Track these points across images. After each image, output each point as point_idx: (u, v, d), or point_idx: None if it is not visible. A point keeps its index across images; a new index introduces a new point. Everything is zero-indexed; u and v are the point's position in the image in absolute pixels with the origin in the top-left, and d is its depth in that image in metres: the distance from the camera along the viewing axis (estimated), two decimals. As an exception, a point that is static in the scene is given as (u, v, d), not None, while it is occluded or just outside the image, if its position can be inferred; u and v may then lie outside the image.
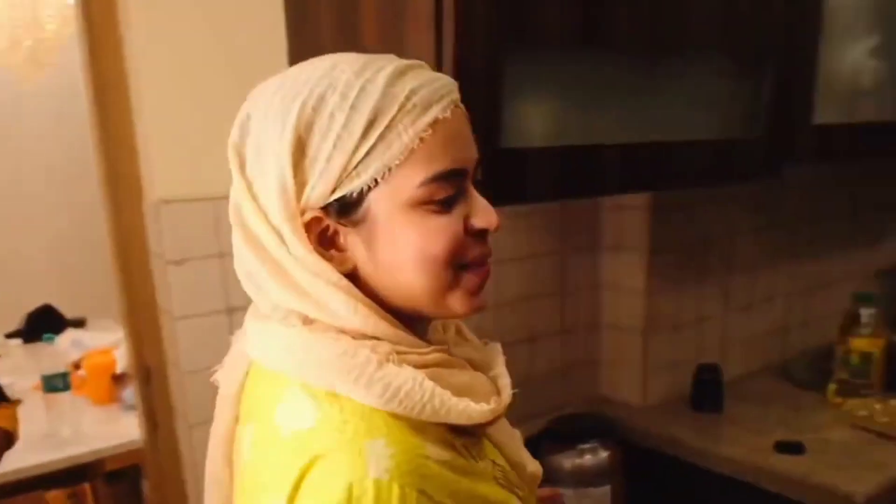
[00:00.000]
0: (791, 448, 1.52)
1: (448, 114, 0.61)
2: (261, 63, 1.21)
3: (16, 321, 3.04)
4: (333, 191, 0.60)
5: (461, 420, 0.62)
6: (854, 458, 1.49)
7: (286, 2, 1.18)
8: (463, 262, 0.64)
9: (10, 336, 3.00)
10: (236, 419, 0.72)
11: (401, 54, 1.01)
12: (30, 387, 2.27)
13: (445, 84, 0.62)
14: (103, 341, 2.50)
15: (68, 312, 3.08)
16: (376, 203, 0.61)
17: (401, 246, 0.61)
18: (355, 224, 0.62)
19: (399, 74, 0.60)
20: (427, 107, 0.60)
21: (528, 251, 1.54)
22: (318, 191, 0.60)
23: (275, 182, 0.60)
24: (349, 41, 1.05)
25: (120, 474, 2.10)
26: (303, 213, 0.61)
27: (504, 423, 0.74)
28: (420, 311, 0.66)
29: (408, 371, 0.60)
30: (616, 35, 1.05)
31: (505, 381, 0.70)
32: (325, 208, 0.61)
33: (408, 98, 0.59)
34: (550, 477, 1.10)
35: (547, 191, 1.03)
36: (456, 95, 0.63)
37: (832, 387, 1.77)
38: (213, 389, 1.25)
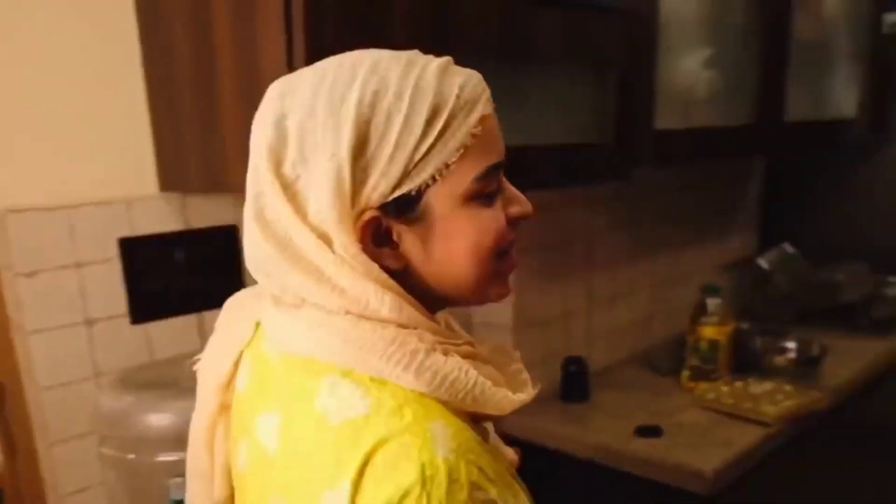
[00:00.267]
0: (650, 432, 1.62)
1: (490, 109, 0.63)
2: (110, 64, 1.18)
3: None
4: (394, 189, 0.60)
5: (496, 410, 0.64)
6: (705, 438, 1.61)
7: (137, 1, 1.16)
8: (504, 251, 0.66)
9: None
10: (221, 409, 0.72)
11: (253, 54, 1.03)
12: None
13: (481, 80, 0.64)
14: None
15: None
16: (434, 200, 0.61)
17: (456, 240, 0.63)
18: (412, 221, 0.62)
19: (444, 71, 0.61)
20: (475, 103, 0.61)
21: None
22: (380, 190, 0.60)
23: (329, 181, 0.59)
24: (201, 40, 1.05)
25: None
26: (361, 212, 0.60)
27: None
28: (461, 299, 0.68)
29: (454, 360, 0.61)
30: (467, 40, 1.10)
31: (527, 376, 0.72)
32: (383, 207, 0.61)
33: (458, 95, 0.60)
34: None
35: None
36: (489, 90, 0.64)
37: (685, 373, 1.89)
38: (75, 403, 1.22)
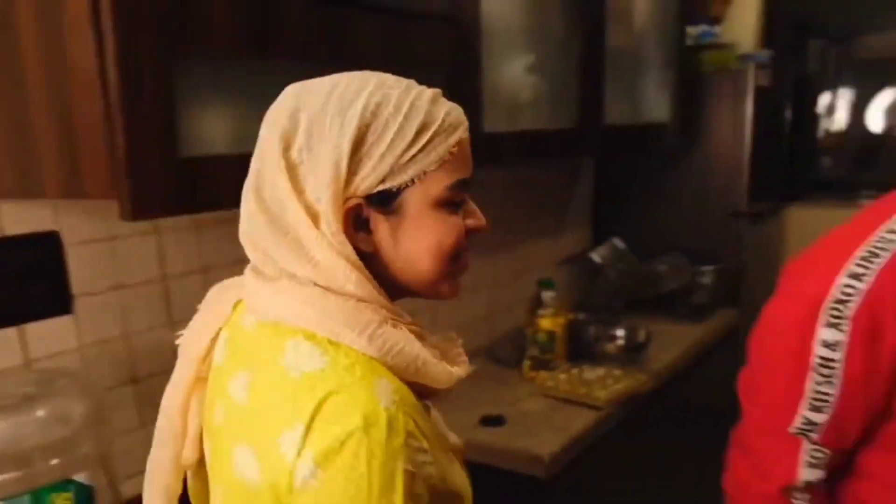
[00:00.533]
0: (494, 421, 1.69)
1: (466, 135, 0.75)
2: None
3: None
4: (379, 184, 0.71)
5: (435, 381, 0.74)
6: (544, 424, 1.70)
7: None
8: (459, 254, 0.77)
9: None
10: (197, 380, 0.81)
11: (65, 62, 0.97)
12: None
13: (461, 112, 0.76)
14: None
15: None
16: (409, 198, 0.72)
17: (422, 236, 0.74)
18: (388, 213, 0.73)
19: (436, 99, 0.73)
20: (456, 128, 0.74)
21: (236, 257, 1.52)
22: (368, 182, 0.70)
23: (329, 167, 0.69)
24: (5, 43, 0.99)
25: None
26: (348, 198, 0.71)
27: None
28: (416, 290, 0.78)
29: (403, 333, 0.72)
30: (287, 46, 1.10)
31: (465, 358, 0.81)
32: (366, 197, 0.71)
33: (444, 119, 0.72)
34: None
35: (231, 198, 1.05)
36: (467, 122, 0.76)
37: (526, 363, 1.99)
38: None
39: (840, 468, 1.01)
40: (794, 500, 1.00)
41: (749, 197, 2.52)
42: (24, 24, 0.97)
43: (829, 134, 3.87)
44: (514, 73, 1.69)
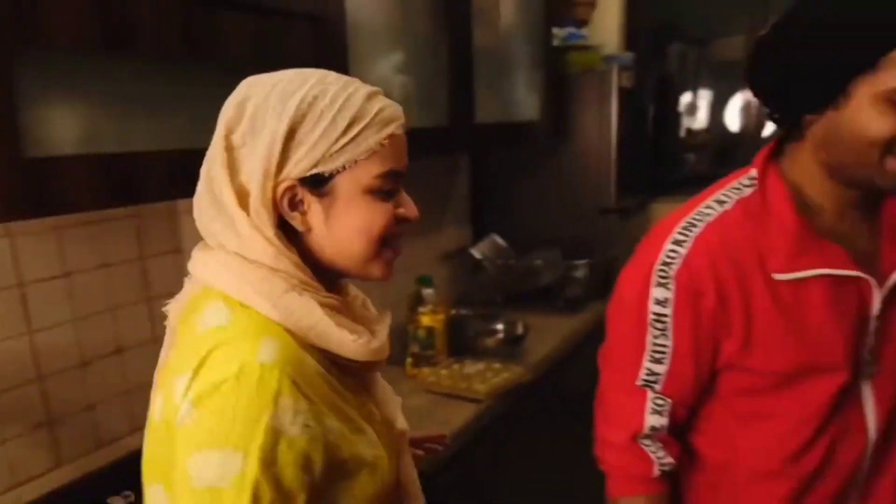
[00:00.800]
0: (375, 420, 1.69)
1: (400, 131, 0.82)
2: None
3: None
4: (312, 168, 0.77)
5: (341, 350, 0.80)
6: (427, 419, 1.71)
7: None
8: (388, 239, 0.84)
9: None
10: (170, 348, 0.85)
11: None
12: None
13: (399, 109, 0.83)
14: None
15: None
16: (340, 183, 0.79)
17: (351, 218, 0.81)
18: (321, 195, 0.80)
19: (371, 97, 0.80)
20: (388, 123, 0.80)
21: (102, 261, 1.47)
22: (301, 166, 0.77)
23: (264, 150, 0.76)
24: None
25: None
26: (281, 180, 0.78)
27: (384, 385, 0.95)
28: (347, 269, 0.84)
29: (306, 300, 0.78)
30: (145, 42, 1.06)
31: (381, 336, 0.87)
32: (301, 180, 0.78)
33: (376, 115, 0.79)
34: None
35: (83, 200, 1.01)
36: (403, 119, 0.83)
37: (409, 360, 2.00)
38: None
39: (684, 421, 1.11)
40: (642, 445, 1.09)
41: (617, 193, 2.64)
42: None
43: (690, 132, 4.11)
44: (382, 71, 1.70)
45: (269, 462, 0.69)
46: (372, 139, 0.79)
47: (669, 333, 1.04)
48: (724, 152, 3.61)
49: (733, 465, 1.10)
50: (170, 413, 0.73)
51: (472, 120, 2.03)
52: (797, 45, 0.95)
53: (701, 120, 4.73)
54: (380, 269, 0.85)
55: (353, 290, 0.95)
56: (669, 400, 1.07)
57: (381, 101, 0.81)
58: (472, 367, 1.97)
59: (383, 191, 0.82)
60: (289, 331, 0.77)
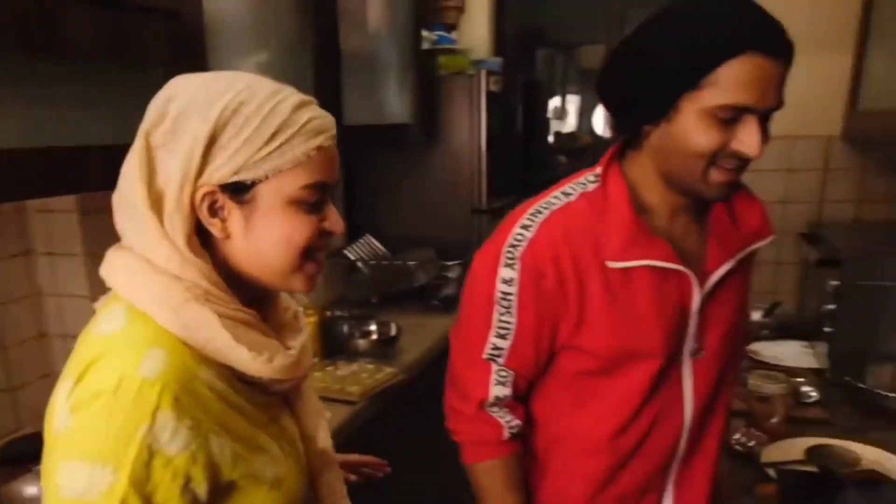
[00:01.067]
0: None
1: (328, 143, 0.80)
2: None
3: None
4: (233, 174, 0.75)
5: (238, 365, 0.77)
6: (299, 424, 1.69)
7: None
8: (310, 252, 0.81)
9: None
10: None
11: None
12: None
13: (331, 121, 0.81)
14: None
15: None
16: (263, 192, 0.77)
17: (273, 229, 0.78)
18: (242, 203, 0.77)
19: (301, 106, 0.78)
20: (316, 134, 0.78)
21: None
22: (222, 172, 0.75)
23: (184, 153, 0.74)
24: None
25: None
26: (200, 185, 0.75)
27: (310, 401, 0.93)
28: (267, 281, 0.82)
29: (206, 312, 0.75)
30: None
31: (293, 351, 0.84)
32: (221, 186, 0.76)
33: (304, 125, 0.77)
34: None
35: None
36: (335, 131, 0.81)
37: (281, 365, 1.97)
38: None
39: (526, 391, 1.19)
40: (490, 412, 1.17)
41: (489, 194, 2.71)
42: None
43: (560, 135, 4.28)
44: (245, 71, 1.64)
45: (141, 480, 0.68)
46: (298, 149, 0.77)
47: (514, 311, 1.10)
48: (594, 154, 3.78)
49: (563, 440, 1.19)
50: (52, 419, 0.71)
51: (340, 122, 1.99)
52: (635, 64, 1.03)
53: (570, 124, 4.94)
54: (301, 283, 0.83)
55: (286, 300, 0.92)
56: (512, 372, 1.14)
57: (311, 111, 0.79)
58: (345, 368, 1.96)
59: (308, 203, 0.79)
60: (187, 343, 0.74)
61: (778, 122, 2.50)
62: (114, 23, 1.19)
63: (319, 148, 0.78)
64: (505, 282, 1.09)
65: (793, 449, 1.46)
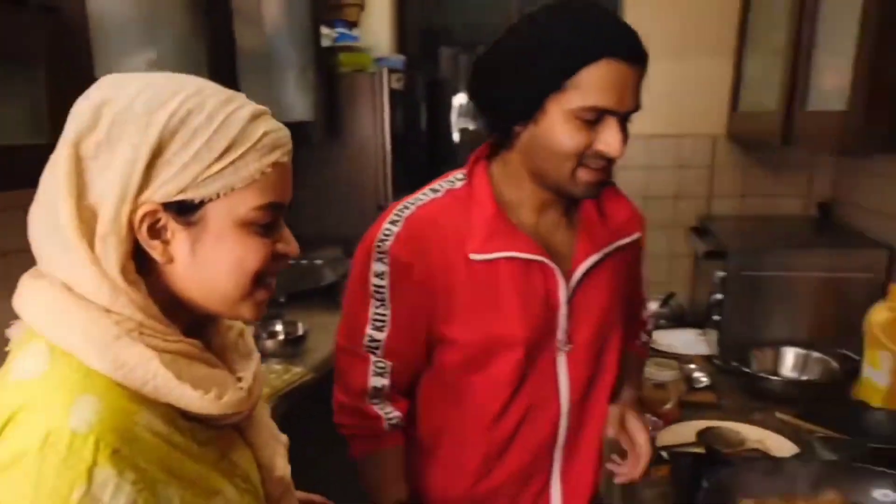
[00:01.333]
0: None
1: (286, 159, 0.73)
2: None
3: None
4: (179, 192, 0.67)
5: (180, 404, 0.69)
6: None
7: None
8: (262, 278, 0.74)
9: None
10: None
11: None
12: None
13: (287, 134, 0.74)
14: None
15: None
16: (213, 213, 0.69)
17: (222, 253, 0.71)
18: (188, 225, 0.69)
19: (256, 117, 0.70)
20: (273, 150, 0.71)
21: None
22: (167, 189, 0.67)
23: (123, 167, 0.65)
24: None
25: None
26: (141, 203, 0.67)
27: (265, 427, 0.85)
28: (213, 309, 0.74)
29: (140, 349, 0.66)
30: None
31: (244, 384, 0.77)
32: (165, 205, 0.67)
33: (260, 139, 0.69)
34: None
35: None
36: (291, 146, 0.74)
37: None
38: None
39: (407, 384, 1.23)
40: (370, 404, 1.20)
41: (394, 191, 2.71)
42: None
43: (465, 132, 4.32)
44: (132, 69, 1.58)
45: None
46: (253, 166, 0.69)
47: (387, 303, 1.14)
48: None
49: (444, 431, 1.24)
50: None
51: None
52: (503, 67, 1.07)
53: (475, 121, 4.97)
54: (250, 311, 0.75)
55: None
56: (390, 364, 1.18)
57: (266, 124, 0.71)
58: (251, 371, 1.92)
59: (261, 224, 0.72)
60: (121, 384, 0.66)
61: (669, 122, 2.62)
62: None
63: (275, 164, 0.71)
64: (377, 275, 1.13)
65: (685, 432, 1.54)
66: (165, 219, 0.68)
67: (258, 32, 2.18)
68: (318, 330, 2.20)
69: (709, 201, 2.56)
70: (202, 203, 0.69)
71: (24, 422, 0.62)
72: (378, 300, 1.14)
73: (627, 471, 1.23)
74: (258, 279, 0.74)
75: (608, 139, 1.04)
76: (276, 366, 1.96)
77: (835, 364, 1.80)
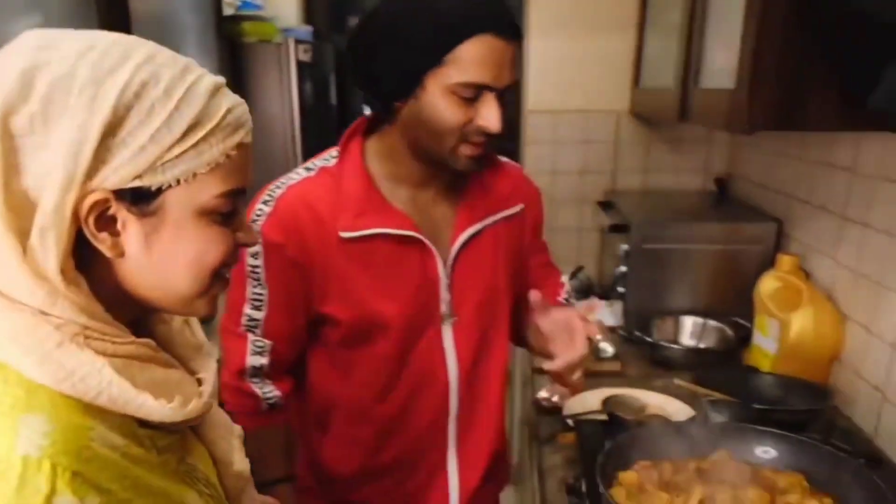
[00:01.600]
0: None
1: (248, 139, 0.66)
2: None
3: None
4: (134, 178, 0.59)
5: (139, 414, 0.61)
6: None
7: None
8: (220, 271, 0.67)
9: None
10: None
11: None
12: None
13: (247, 110, 0.66)
14: None
15: None
16: (171, 201, 0.61)
17: (181, 246, 0.63)
18: (143, 215, 0.61)
19: (217, 90, 0.63)
20: (237, 128, 0.63)
21: None
22: (120, 174, 0.58)
23: (68, 147, 0.56)
24: None
25: None
26: (90, 191, 0.58)
27: (218, 421, 0.77)
28: (166, 306, 0.67)
29: (89, 355, 0.59)
30: None
31: (206, 388, 0.70)
32: (117, 192, 0.59)
33: (224, 116, 0.62)
34: None
35: None
36: (251, 123, 0.66)
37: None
38: None
39: (289, 362, 1.23)
40: (249, 383, 1.20)
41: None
42: None
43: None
44: (15, 35, 1.48)
45: None
46: (217, 148, 0.61)
47: (264, 283, 1.14)
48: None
49: (335, 406, 1.25)
50: None
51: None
52: (379, 42, 1.06)
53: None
54: (205, 307, 0.68)
55: None
56: (269, 343, 1.18)
57: (228, 98, 0.64)
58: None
59: (221, 213, 0.65)
60: (67, 396, 0.58)
61: (576, 98, 2.66)
62: None
63: (239, 146, 0.64)
64: (252, 255, 1.12)
65: (591, 400, 1.59)
66: (116, 208, 0.60)
67: (155, -2, 2.08)
68: (219, 311, 2.15)
69: (614, 176, 2.63)
70: (160, 190, 0.61)
71: None
72: (254, 280, 1.13)
73: (564, 352, 1.18)
74: (216, 273, 0.67)
75: (488, 115, 1.05)
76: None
77: (729, 332, 1.91)
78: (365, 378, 1.21)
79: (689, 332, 1.99)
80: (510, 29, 1.04)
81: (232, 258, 0.68)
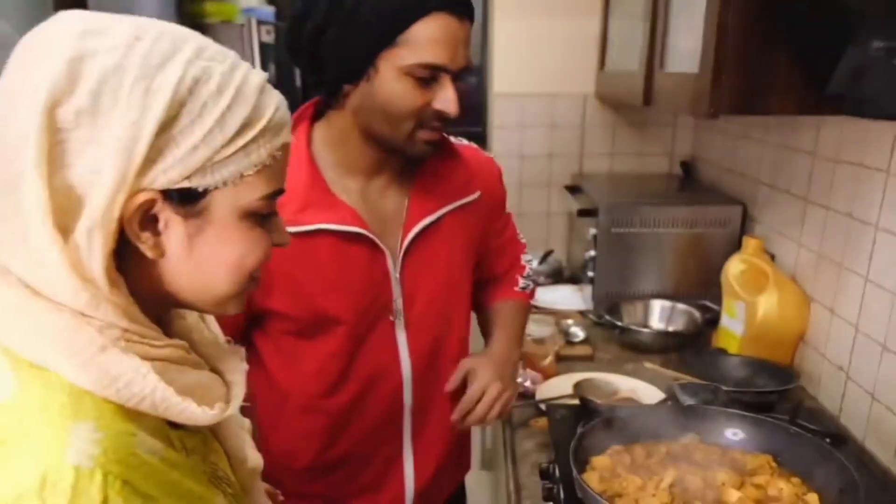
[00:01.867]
0: None
1: (290, 138, 0.64)
2: None
3: None
4: (184, 179, 0.57)
5: (180, 419, 0.60)
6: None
7: None
8: (255, 272, 0.66)
9: None
10: None
11: None
12: None
13: (287, 107, 0.63)
14: None
15: None
16: (217, 203, 0.60)
17: (224, 248, 0.62)
18: (188, 216, 0.60)
19: (264, 88, 0.61)
20: (282, 128, 0.62)
21: None
22: (170, 175, 0.56)
23: (123, 143, 0.54)
24: None
25: None
26: (139, 190, 0.56)
27: (232, 417, 0.74)
28: (200, 305, 0.66)
29: (133, 360, 0.57)
30: None
31: (237, 391, 0.69)
32: (164, 192, 0.57)
33: (272, 116, 0.60)
34: None
35: None
36: (291, 122, 0.64)
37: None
38: None
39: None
40: None
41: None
42: None
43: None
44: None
45: None
46: (264, 149, 0.60)
47: None
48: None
49: (285, 398, 1.20)
50: None
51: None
52: (327, 23, 0.99)
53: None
54: (237, 307, 0.68)
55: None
56: None
57: (273, 96, 0.62)
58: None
59: (263, 215, 0.64)
60: (108, 400, 0.56)
61: (542, 81, 2.64)
62: None
63: (284, 146, 0.63)
64: None
65: (563, 385, 1.59)
66: (161, 208, 0.58)
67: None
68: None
69: (580, 160, 2.63)
70: (206, 191, 0.59)
71: (12, 458, 0.51)
72: None
73: (454, 416, 1.20)
74: (254, 274, 0.67)
75: (445, 98, 1.02)
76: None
77: (697, 314, 1.93)
78: (315, 371, 1.16)
79: (658, 315, 2.01)
80: (464, 8, 1.01)
81: (266, 260, 0.67)
